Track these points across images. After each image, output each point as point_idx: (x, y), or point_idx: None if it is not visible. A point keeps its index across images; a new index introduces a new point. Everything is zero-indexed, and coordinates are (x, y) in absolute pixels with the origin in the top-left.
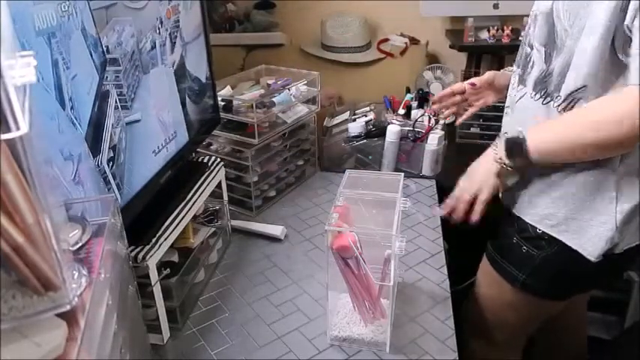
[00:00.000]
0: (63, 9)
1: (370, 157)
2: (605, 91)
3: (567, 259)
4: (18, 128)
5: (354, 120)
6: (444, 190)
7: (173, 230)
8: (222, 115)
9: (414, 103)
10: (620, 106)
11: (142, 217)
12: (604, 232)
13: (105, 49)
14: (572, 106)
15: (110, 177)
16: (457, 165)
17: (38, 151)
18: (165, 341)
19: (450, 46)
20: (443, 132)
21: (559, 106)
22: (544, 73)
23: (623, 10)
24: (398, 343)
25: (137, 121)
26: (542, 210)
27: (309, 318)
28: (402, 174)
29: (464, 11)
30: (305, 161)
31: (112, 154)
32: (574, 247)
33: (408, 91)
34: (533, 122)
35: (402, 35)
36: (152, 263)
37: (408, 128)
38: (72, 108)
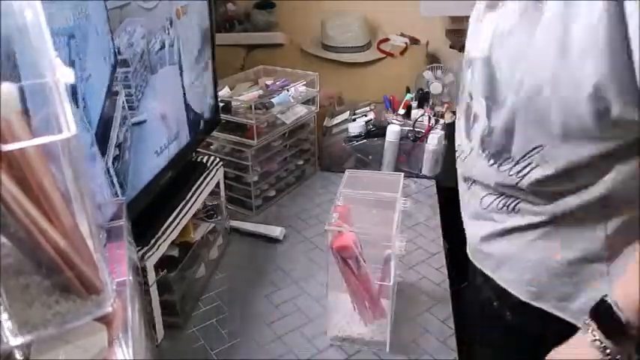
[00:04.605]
0: (80, 10)
1: (370, 157)
2: (571, 150)
3: (563, 330)
4: (69, 129)
5: (354, 120)
6: (443, 190)
7: (172, 231)
8: (222, 116)
9: (414, 103)
10: None
11: (141, 217)
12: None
13: (117, 50)
14: (529, 172)
15: (114, 176)
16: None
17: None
18: (159, 341)
19: (450, 46)
20: (443, 132)
21: (511, 169)
22: (486, 130)
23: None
24: (398, 343)
25: (143, 121)
26: (519, 274)
27: (309, 318)
28: (402, 174)
29: (464, 11)
30: (305, 161)
31: (117, 153)
32: (563, 317)
33: (408, 91)
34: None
35: (402, 35)
36: (150, 264)
37: (408, 128)
38: (84, 107)
